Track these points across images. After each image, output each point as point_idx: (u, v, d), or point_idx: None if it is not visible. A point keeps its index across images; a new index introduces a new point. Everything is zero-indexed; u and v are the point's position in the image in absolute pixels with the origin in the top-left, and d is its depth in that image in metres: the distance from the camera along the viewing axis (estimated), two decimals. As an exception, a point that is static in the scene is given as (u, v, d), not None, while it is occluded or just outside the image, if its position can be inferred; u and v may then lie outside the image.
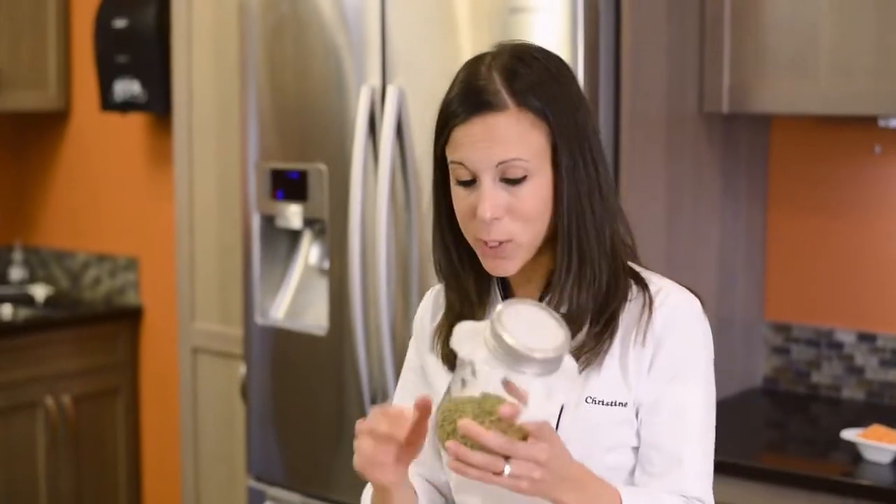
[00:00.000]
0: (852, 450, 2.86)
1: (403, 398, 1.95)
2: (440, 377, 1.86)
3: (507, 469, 1.52)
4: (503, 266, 1.75)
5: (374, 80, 3.16)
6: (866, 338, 3.35)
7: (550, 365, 1.52)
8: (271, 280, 3.52)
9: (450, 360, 1.83)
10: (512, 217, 1.71)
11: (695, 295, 1.81)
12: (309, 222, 3.42)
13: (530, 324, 1.55)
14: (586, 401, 1.74)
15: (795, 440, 3.16)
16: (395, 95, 3.10)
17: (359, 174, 3.15)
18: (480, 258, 1.77)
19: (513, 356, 1.51)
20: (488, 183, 1.70)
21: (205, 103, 3.99)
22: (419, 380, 1.94)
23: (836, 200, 3.39)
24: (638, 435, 1.77)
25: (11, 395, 4.53)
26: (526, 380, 1.52)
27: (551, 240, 1.76)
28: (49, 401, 4.62)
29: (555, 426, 1.63)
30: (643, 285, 1.78)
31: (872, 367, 3.34)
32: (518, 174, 1.69)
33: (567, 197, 1.72)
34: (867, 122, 3.22)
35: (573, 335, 1.70)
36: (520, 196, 1.70)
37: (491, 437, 1.50)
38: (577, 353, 1.72)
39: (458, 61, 2.98)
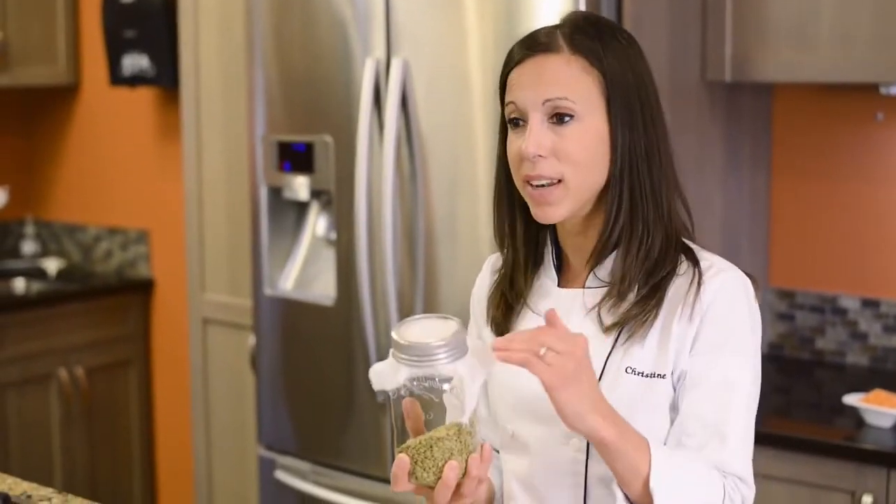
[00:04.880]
0: (855, 414, 2.89)
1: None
2: None
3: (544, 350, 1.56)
4: (549, 212, 1.74)
5: (379, 52, 3.18)
6: (870, 304, 3.37)
7: (454, 348, 1.58)
8: (279, 251, 3.55)
9: (497, 324, 1.86)
10: (558, 159, 1.71)
11: (748, 275, 1.79)
12: (316, 194, 3.44)
13: (422, 328, 1.62)
14: (626, 370, 1.73)
15: (800, 405, 3.19)
16: (400, 68, 3.12)
17: (364, 146, 3.18)
18: (529, 205, 1.76)
19: (418, 353, 1.58)
20: (535, 121, 1.72)
21: (212, 77, 4.02)
22: None
23: (839, 167, 3.40)
24: (674, 407, 1.75)
25: (25, 368, 4.58)
26: (444, 369, 1.58)
27: (605, 204, 1.76)
28: (62, 373, 4.67)
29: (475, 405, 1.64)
30: (694, 261, 1.77)
31: (876, 332, 3.36)
32: (563, 117, 1.71)
33: (621, 146, 1.72)
34: (869, 90, 3.23)
35: (621, 300, 1.74)
36: (566, 136, 1.71)
37: (517, 337, 1.57)
38: (623, 321, 1.73)
39: (462, 33, 3.03)
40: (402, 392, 1.61)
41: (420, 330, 1.61)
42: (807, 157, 3.45)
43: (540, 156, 1.71)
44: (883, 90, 3.11)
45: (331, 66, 3.30)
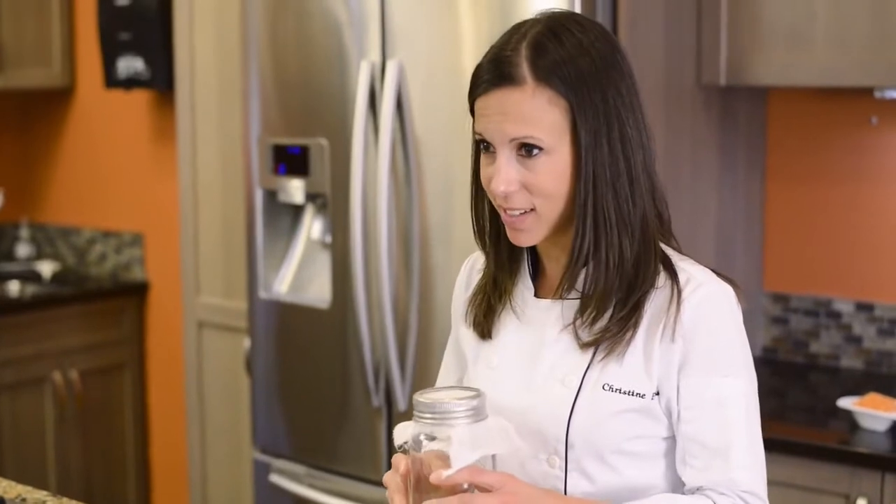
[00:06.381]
0: (849, 418, 2.89)
1: (444, 380, 2.01)
2: (470, 348, 1.88)
3: None
4: (523, 237, 1.74)
5: (374, 55, 3.18)
6: (864, 307, 3.37)
7: (467, 413, 1.62)
8: (274, 254, 3.54)
9: (479, 326, 1.87)
10: (529, 191, 1.70)
11: (729, 281, 1.76)
12: (311, 197, 3.44)
13: (447, 393, 1.67)
14: (602, 387, 1.72)
15: (794, 409, 3.19)
16: (395, 70, 3.12)
17: (360, 149, 3.17)
18: (506, 228, 1.77)
19: (430, 412, 1.62)
20: (503, 156, 1.70)
21: (207, 79, 4.02)
22: (454, 359, 1.97)
23: (833, 171, 3.41)
24: (671, 429, 1.74)
25: (19, 371, 4.57)
26: (447, 430, 1.61)
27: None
28: (57, 376, 4.66)
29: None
30: (672, 273, 1.74)
31: (870, 336, 3.37)
32: (532, 150, 1.68)
33: (584, 176, 1.69)
34: (864, 94, 3.23)
35: (597, 317, 1.72)
36: (535, 171, 1.69)
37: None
38: (600, 338, 1.72)
39: (457, 35, 3.03)
40: (407, 447, 1.66)
41: (441, 393, 1.65)
42: (801, 160, 3.45)
43: (510, 192, 1.70)
44: (877, 94, 3.11)
45: (326, 69, 3.30)
